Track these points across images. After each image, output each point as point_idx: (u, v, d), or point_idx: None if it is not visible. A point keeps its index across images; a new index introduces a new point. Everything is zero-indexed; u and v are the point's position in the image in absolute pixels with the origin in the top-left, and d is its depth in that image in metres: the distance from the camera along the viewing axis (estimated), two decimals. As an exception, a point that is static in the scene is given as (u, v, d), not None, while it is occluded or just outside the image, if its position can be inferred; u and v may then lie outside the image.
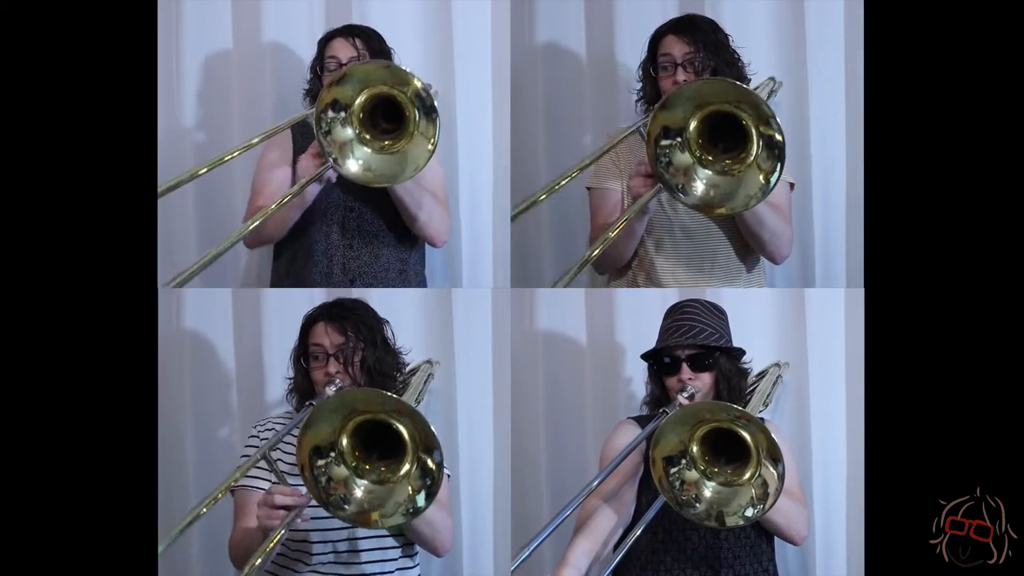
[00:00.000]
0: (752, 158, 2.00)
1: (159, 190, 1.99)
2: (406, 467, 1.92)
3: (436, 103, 2.04)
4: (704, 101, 1.99)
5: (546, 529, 1.85)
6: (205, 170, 2.00)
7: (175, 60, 2.59)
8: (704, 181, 2.04)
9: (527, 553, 1.83)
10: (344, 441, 1.93)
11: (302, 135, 2.35)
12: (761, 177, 2.00)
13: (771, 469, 1.93)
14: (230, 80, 2.62)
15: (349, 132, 2.08)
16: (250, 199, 2.37)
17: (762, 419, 2.20)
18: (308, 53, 2.46)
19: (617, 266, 2.37)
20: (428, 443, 1.89)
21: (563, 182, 2.04)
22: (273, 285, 2.47)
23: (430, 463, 1.89)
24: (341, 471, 1.93)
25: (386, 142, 2.09)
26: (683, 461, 1.98)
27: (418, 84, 2.03)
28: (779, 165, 1.97)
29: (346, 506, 1.93)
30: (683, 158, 2.03)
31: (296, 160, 2.29)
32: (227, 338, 2.57)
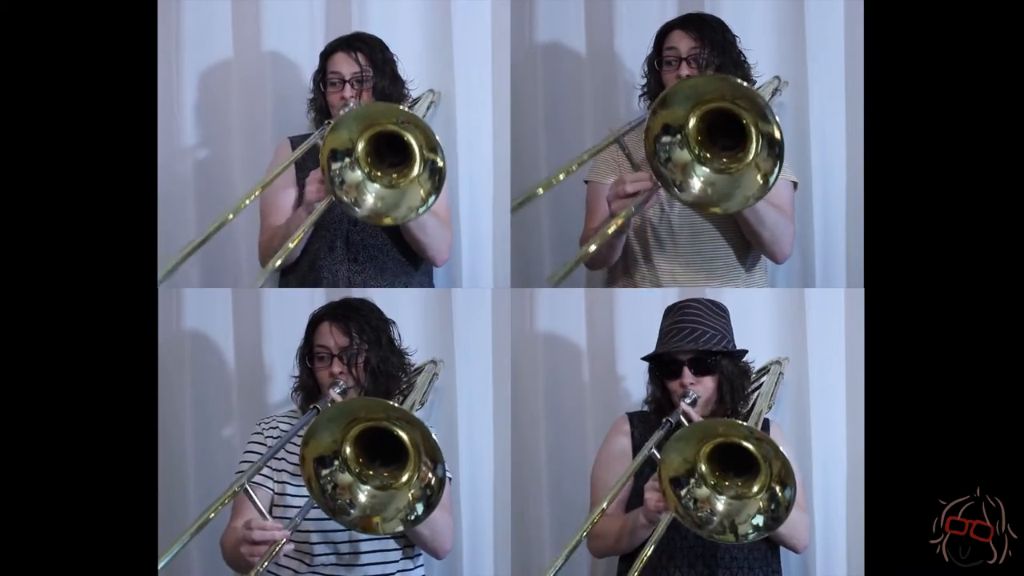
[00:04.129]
0: (751, 157, 1.99)
1: (160, 276, 2.06)
2: (408, 473, 1.94)
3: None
4: (703, 98, 1.99)
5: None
6: (212, 229, 2.06)
7: (175, 67, 2.59)
8: (701, 179, 2.03)
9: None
10: (347, 449, 1.95)
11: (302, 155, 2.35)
12: (759, 177, 1.99)
13: (781, 492, 1.93)
14: (230, 88, 2.61)
15: (359, 174, 2.08)
16: (261, 220, 2.40)
17: (767, 420, 2.21)
18: (309, 59, 2.46)
19: (606, 265, 2.37)
20: (432, 454, 1.91)
21: (562, 176, 2.07)
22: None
23: (431, 474, 1.92)
24: (346, 477, 1.95)
25: (394, 175, 2.09)
26: (691, 480, 1.96)
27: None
28: (778, 165, 1.96)
29: (351, 511, 1.96)
30: (682, 155, 2.02)
31: (299, 179, 2.32)
32: (227, 338, 2.56)
